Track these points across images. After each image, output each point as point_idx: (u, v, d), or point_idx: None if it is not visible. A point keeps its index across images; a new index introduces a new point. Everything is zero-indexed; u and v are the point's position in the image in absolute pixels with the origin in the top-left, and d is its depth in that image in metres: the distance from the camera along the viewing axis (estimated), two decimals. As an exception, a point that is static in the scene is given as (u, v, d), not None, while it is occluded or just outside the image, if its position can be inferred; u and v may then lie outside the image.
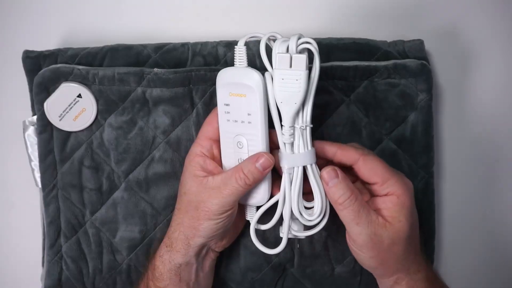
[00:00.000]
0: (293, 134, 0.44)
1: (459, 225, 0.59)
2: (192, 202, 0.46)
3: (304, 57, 0.42)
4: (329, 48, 0.54)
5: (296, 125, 0.44)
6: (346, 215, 0.44)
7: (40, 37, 0.56)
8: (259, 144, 0.45)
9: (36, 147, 0.54)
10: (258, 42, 0.54)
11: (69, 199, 0.54)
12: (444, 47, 0.57)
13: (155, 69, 0.52)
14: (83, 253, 0.54)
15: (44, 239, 0.55)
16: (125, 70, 0.52)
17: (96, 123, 0.53)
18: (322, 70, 0.52)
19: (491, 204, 0.59)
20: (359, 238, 0.44)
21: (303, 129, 0.44)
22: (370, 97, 0.53)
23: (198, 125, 0.53)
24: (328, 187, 0.44)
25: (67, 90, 0.52)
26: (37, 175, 0.54)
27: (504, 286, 0.59)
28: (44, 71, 0.52)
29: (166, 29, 0.57)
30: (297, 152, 0.44)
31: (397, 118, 0.53)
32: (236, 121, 0.45)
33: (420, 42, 0.54)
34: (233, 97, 0.44)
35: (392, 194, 0.45)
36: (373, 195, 0.47)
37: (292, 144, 0.44)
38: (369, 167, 0.45)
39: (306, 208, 0.46)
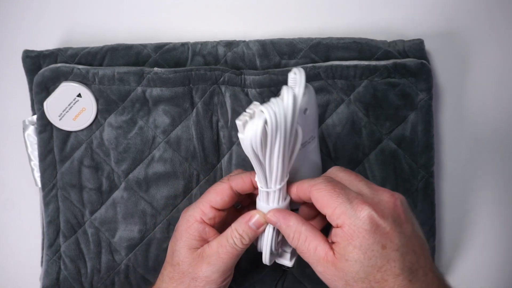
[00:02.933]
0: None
1: (460, 225, 0.58)
2: (187, 273, 0.43)
3: (238, 123, 0.38)
4: (329, 48, 0.54)
5: (259, 186, 0.42)
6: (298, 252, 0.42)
7: (40, 37, 0.57)
8: None
9: (36, 146, 0.54)
10: (258, 42, 0.54)
11: (69, 198, 0.53)
12: (444, 46, 0.57)
13: (155, 69, 0.52)
14: (82, 253, 0.54)
15: (43, 239, 0.55)
16: (125, 69, 0.52)
17: (96, 123, 0.53)
18: (322, 69, 0.53)
19: (491, 203, 0.58)
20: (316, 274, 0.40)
21: (265, 191, 0.42)
22: (370, 96, 0.53)
23: (198, 125, 0.53)
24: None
25: (67, 90, 0.52)
26: (37, 174, 0.54)
27: (505, 286, 0.59)
28: (44, 70, 0.52)
29: (166, 29, 0.57)
30: (271, 205, 0.43)
31: (397, 117, 0.53)
32: None
33: (420, 42, 0.54)
34: None
35: (340, 226, 0.38)
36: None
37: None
38: (316, 199, 0.39)
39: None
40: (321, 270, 0.39)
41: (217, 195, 0.44)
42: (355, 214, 0.37)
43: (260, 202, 0.43)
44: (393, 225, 0.37)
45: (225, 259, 0.43)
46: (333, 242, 0.39)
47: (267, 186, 0.42)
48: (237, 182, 0.44)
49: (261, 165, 0.40)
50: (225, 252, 0.43)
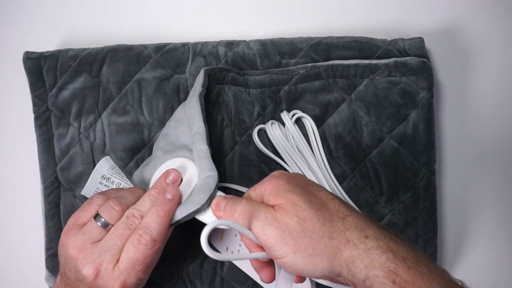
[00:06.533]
0: None
1: (461, 222, 0.59)
2: None
3: None
4: (330, 47, 0.54)
5: None
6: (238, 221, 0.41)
7: (41, 38, 0.56)
8: None
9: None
10: (259, 41, 0.54)
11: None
12: (444, 44, 0.57)
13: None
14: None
15: (46, 240, 0.55)
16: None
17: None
18: (323, 69, 0.53)
19: (493, 201, 0.59)
20: (267, 239, 0.38)
21: None
22: (371, 95, 0.53)
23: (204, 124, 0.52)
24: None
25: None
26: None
27: (507, 284, 0.59)
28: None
29: (166, 29, 0.57)
30: None
31: (398, 116, 0.53)
32: None
33: (421, 40, 0.54)
34: None
35: (266, 184, 0.41)
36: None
37: None
38: None
39: None
40: (268, 222, 0.39)
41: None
42: (272, 176, 0.43)
43: None
44: None
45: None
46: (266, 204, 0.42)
47: None
48: None
49: None
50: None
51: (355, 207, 0.49)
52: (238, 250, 0.52)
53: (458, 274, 0.59)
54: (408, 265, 0.36)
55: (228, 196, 0.43)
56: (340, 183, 0.54)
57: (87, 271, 0.42)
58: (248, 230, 0.39)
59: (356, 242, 0.37)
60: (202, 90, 0.49)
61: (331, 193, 0.40)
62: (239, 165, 0.53)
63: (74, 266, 0.43)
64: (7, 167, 0.58)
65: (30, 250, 0.58)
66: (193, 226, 0.47)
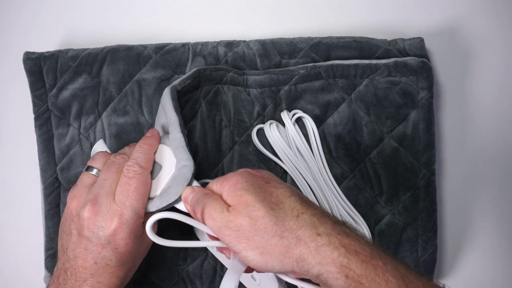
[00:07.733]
0: None
1: (461, 223, 0.59)
2: None
3: None
4: (330, 47, 0.54)
5: None
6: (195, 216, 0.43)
7: (41, 38, 0.57)
8: None
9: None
10: (259, 41, 0.54)
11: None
12: (444, 44, 0.57)
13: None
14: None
15: (45, 240, 0.55)
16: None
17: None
18: (323, 69, 0.53)
19: (493, 201, 0.59)
20: (222, 237, 0.40)
21: None
22: (371, 95, 0.53)
23: (202, 124, 0.52)
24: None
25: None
26: None
27: (507, 284, 0.59)
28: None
29: (166, 29, 0.57)
30: None
31: (398, 116, 0.53)
32: None
33: (420, 40, 0.54)
34: None
35: (227, 181, 0.42)
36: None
37: None
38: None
39: None
40: (224, 222, 0.41)
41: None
42: (235, 173, 0.44)
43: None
44: None
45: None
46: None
47: None
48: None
49: None
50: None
51: (315, 202, 0.48)
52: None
53: (457, 273, 0.59)
54: (361, 259, 0.36)
55: (196, 188, 0.44)
56: (340, 183, 0.54)
57: (85, 210, 0.44)
58: (204, 225, 0.41)
59: (307, 241, 0.38)
60: (178, 83, 0.49)
61: (291, 190, 0.41)
62: (238, 165, 0.53)
63: (73, 218, 0.45)
64: (7, 167, 0.58)
65: (29, 250, 0.58)
66: (192, 226, 0.47)
